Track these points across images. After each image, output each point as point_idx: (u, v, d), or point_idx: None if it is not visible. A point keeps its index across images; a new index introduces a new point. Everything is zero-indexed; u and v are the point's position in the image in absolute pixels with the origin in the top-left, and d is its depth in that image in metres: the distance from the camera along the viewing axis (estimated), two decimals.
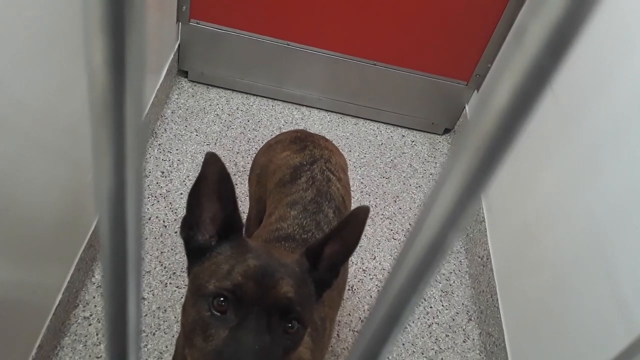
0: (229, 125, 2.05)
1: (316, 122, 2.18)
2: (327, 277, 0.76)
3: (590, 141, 1.32)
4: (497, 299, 1.59)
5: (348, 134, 2.17)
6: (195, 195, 0.73)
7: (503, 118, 0.14)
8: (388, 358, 1.56)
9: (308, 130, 2.13)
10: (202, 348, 0.65)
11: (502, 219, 1.70)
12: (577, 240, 1.27)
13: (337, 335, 1.54)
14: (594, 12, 0.13)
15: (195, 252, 0.73)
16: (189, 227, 0.74)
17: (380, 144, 2.17)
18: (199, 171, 0.72)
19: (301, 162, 1.13)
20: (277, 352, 0.65)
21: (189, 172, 1.83)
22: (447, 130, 2.30)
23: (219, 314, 0.65)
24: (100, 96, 0.16)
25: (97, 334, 1.43)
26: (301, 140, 1.21)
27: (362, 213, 0.73)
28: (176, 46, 2.05)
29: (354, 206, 1.74)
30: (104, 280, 0.19)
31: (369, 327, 0.20)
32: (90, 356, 1.39)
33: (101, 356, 1.40)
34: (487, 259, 1.70)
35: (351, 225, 0.73)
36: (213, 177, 0.72)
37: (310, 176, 1.10)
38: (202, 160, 0.71)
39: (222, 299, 0.65)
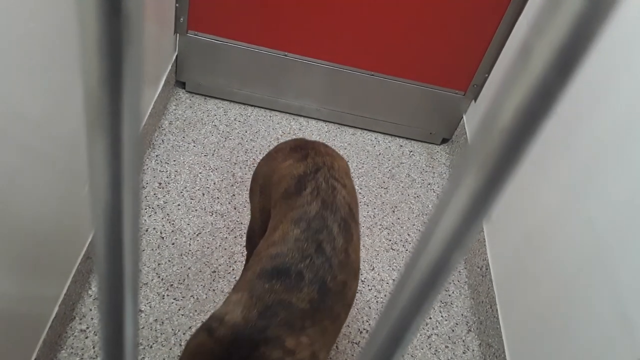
0: (227, 136, 2.04)
1: (314, 133, 2.18)
2: None
3: (590, 151, 1.32)
4: (497, 310, 1.58)
5: (346, 144, 2.17)
6: None
7: (508, 139, 0.14)
8: None
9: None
10: None
11: (501, 229, 1.70)
12: (578, 251, 1.27)
13: (336, 347, 1.53)
14: (601, 32, 0.12)
15: None
16: None
17: (378, 154, 2.17)
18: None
19: (305, 171, 1.12)
20: None
21: (186, 183, 1.83)
22: (444, 140, 2.30)
23: None
24: (96, 112, 0.16)
25: (93, 347, 1.41)
26: (301, 148, 1.20)
27: None
28: (174, 57, 2.05)
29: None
30: (100, 294, 0.18)
31: (371, 347, 0.20)
32: None
33: None
34: (486, 269, 1.70)
35: None
36: None
37: (315, 186, 1.09)
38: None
39: None
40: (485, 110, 0.14)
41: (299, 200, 1.07)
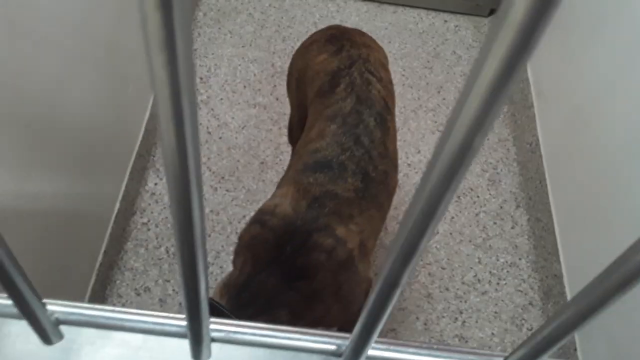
0: (263, 25, 1.99)
1: (353, 14, 2.08)
2: None
3: None
4: (547, 185, 1.56)
5: (387, 24, 2.07)
6: None
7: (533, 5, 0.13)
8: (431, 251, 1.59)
9: (344, 24, 2.05)
10: None
11: (552, 103, 1.63)
12: (631, 124, 1.21)
13: (386, 227, 1.58)
14: None
15: None
16: None
17: (421, 32, 2.07)
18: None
19: (339, 67, 1.10)
20: None
21: (226, 76, 1.82)
22: (492, 12, 2.16)
23: None
24: None
25: (156, 238, 1.51)
26: (337, 39, 1.16)
27: None
28: None
29: (397, 100, 1.71)
30: (167, 173, 0.20)
31: (408, 220, 0.21)
32: (152, 258, 1.48)
33: (162, 258, 1.49)
34: (536, 145, 1.66)
35: None
36: None
37: (349, 82, 1.07)
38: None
39: None
40: None
41: (332, 97, 1.06)
